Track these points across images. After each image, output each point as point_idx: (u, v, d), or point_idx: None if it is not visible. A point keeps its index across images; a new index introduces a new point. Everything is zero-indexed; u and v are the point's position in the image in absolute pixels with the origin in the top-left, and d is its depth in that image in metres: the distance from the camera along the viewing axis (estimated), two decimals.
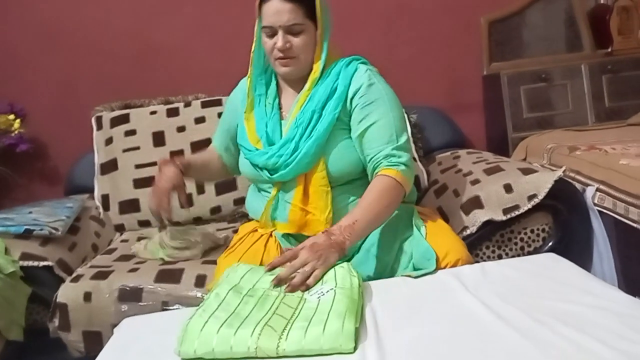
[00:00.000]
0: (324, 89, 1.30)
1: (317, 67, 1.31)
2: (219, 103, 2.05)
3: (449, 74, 2.41)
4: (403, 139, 1.27)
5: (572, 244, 1.56)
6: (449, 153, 2.04)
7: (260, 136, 1.33)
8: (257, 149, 1.32)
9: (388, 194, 1.22)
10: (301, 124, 1.27)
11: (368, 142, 1.27)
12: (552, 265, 1.17)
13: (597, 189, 1.60)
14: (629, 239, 1.50)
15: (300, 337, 0.88)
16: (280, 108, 1.36)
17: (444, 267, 1.20)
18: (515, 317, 0.92)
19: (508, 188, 1.52)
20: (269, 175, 1.30)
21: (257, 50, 1.35)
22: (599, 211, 1.58)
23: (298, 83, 1.35)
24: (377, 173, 1.24)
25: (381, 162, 1.24)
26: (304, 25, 1.27)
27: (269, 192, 1.34)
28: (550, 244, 1.55)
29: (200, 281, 1.41)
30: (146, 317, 1.18)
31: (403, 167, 1.24)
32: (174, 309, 1.36)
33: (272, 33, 1.27)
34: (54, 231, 1.62)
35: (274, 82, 1.38)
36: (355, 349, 0.88)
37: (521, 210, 1.50)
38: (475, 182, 1.61)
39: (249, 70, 1.38)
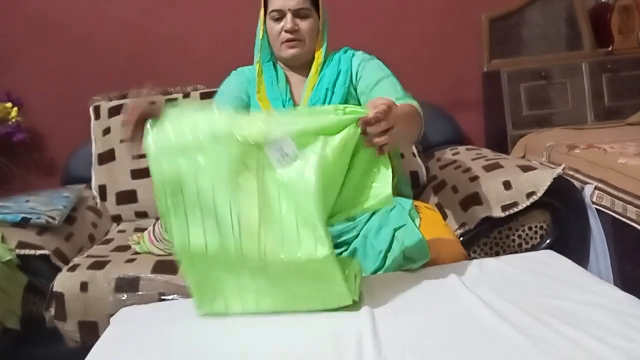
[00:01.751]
0: (331, 71, 1.39)
1: (320, 54, 1.40)
2: None
3: (449, 70, 2.40)
4: (410, 95, 1.33)
5: (570, 242, 1.56)
6: (448, 149, 2.04)
7: None
8: None
9: (409, 108, 1.23)
10: (318, 100, 1.36)
11: (376, 95, 1.31)
12: (549, 263, 1.17)
13: (596, 187, 1.60)
14: (626, 238, 1.50)
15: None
16: (291, 93, 1.42)
17: (435, 259, 1.21)
18: (512, 314, 0.93)
19: (507, 185, 1.52)
20: None
21: (263, 39, 1.41)
22: (596, 209, 1.59)
23: (300, 71, 1.42)
24: None
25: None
26: (310, 10, 1.36)
27: None
28: (547, 241, 1.55)
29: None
30: (143, 307, 1.18)
31: (417, 104, 1.28)
32: (171, 299, 1.36)
33: (280, 16, 1.35)
34: (51, 220, 1.62)
35: (281, 70, 1.44)
36: (353, 300, 1.00)
37: (520, 208, 1.50)
38: (474, 178, 1.61)
39: (257, 56, 1.43)
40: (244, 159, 0.96)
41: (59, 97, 2.29)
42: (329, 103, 1.35)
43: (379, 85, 1.35)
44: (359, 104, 1.38)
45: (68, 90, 2.28)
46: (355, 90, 1.40)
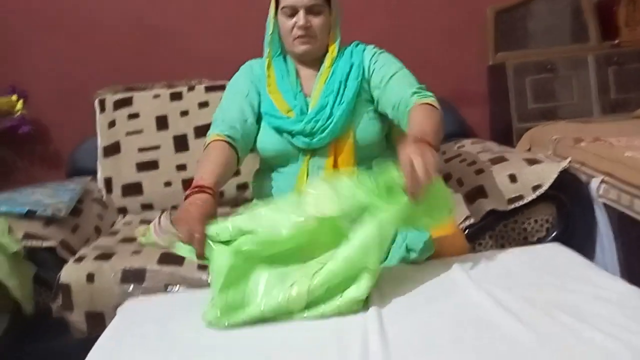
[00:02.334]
0: (344, 64, 1.39)
1: (334, 48, 1.40)
2: (222, 88, 2.00)
3: (455, 63, 2.39)
4: (424, 86, 1.34)
5: (575, 235, 1.56)
6: (453, 142, 2.03)
7: (292, 106, 1.37)
8: (289, 117, 1.36)
9: (433, 114, 1.24)
10: (331, 93, 1.35)
11: (392, 90, 1.33)
12: (555, 256, 1.16)
13: (602, 181, 1.59)
14: (633, 231, 1.50)
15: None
16: (301, 86, 1.42)
17: (439, 252, 1.20)
18: (517, 307, 0.92)
19: (513, 178, 1.52)
20: (307, 140, 1.33)
21: (273, 33, 1.41)
22: (603, 203, 1.58)
23: (311, 65, 1.41)
24: (410, 109, 1.26)
25: (411, 99, 1.28)
26: (323, 6, 1.35)
27: (294, 164, 1.36)
28: (553, 234, 1.55)
29: (204, 264, 1.41)
30: (149, 298, 1.18)
31: (434, 99, 1.29)
32: (176, 291, 1.37)
33: (293, 13, 1.34)
34: (57, 212, 1.62)
35: (292, 63, 1.44)
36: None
37: (525, 201, 1.49)
38: (479, 171, 1.61)
39: (267, 51, 1.42)
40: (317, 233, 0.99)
41: (64, 89, 2.29)
42: (342, 96, 1.35)
43: (393, 79, 1.34)
44: (372, 98, 1.38)
45: (73, 83, 2.28)
46: (368, 84, 1.39)
